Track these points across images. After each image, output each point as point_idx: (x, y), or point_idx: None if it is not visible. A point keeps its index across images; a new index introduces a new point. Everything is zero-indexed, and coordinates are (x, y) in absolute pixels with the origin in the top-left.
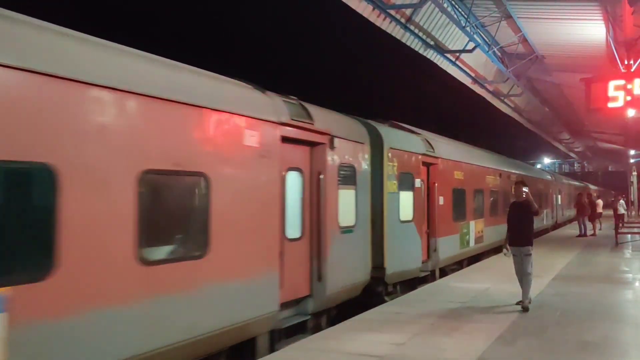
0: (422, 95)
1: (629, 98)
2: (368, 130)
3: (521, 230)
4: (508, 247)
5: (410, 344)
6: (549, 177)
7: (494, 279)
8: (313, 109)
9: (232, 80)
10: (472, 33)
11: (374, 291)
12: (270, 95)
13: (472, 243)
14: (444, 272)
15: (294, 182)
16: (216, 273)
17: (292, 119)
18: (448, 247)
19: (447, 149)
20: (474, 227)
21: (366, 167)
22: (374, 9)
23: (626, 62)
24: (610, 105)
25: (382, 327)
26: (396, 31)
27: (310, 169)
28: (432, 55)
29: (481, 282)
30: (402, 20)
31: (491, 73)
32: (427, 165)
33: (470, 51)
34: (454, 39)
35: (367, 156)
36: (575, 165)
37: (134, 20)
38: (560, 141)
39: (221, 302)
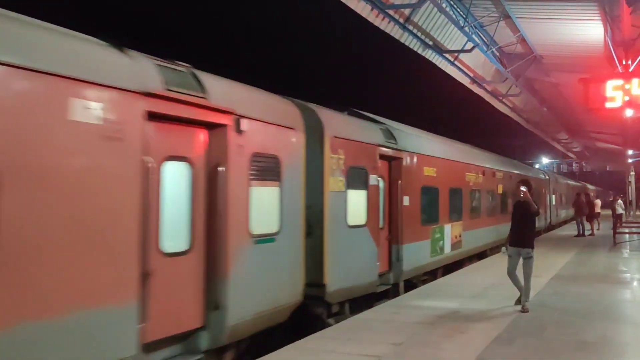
0: (420, 95)
1: (627, 98)
2: (303, 114)
3: (521, 230)
4: (507, 246)
5: None
6: (543, 176)
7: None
8: (211, 80)
9: (57, 27)
10: (470, 33)
11: (313, 313)
12: (133, 56)
13: (447, 250)
14: (411, 285)
15: (177, 176)
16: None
17: (169, 89)
18: (415, 255)
19: (416, 142)
20: (450, 231)
21: (298, 159)
22: (372, 8)
23: (624, 62)
24: (608, 105)
25: None
26: (395, 31)
27: (206, 160)
28: (430, 55)
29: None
30: (401, 20)
31: (490, 73)
32: (389, 159)
33: (469, 51)
34: (453, 39)
35: (299, 145)
36: (574, 165)
37: None
38: (559, 141)
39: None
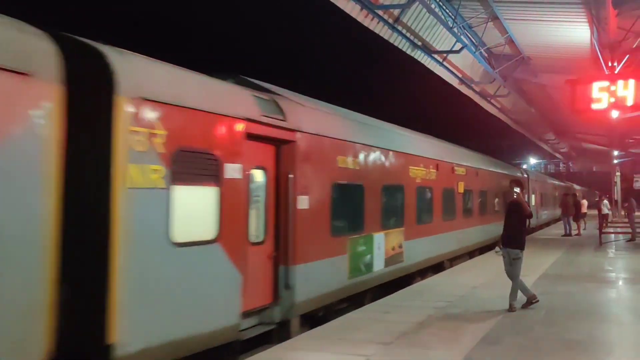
0: (410, 96)
1: (612, 100)
2: (63, 52)
3: (509, 231)
4: (500, 245)
5: None
6: (519, 174)
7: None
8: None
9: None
10: (459, 34)
11: None
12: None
13: (379, 266)
14: (317, 319)
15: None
16: None
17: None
18: (321, 278)
19: (323, 121)
20: (384, 241)
21: (36, 129)
22: (362, 9)
23: (610, 64)
24: (594, 106)
25: None
26: (384, 31)
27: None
28: (419, 55)
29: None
30: (390, 21)
31: (478, 74)
32: (276, 143)
33: (457, 52)
34: (442, 39)
35: (44, 105)
36: (561, 165)
37: None
38: (546, 141)
39: None
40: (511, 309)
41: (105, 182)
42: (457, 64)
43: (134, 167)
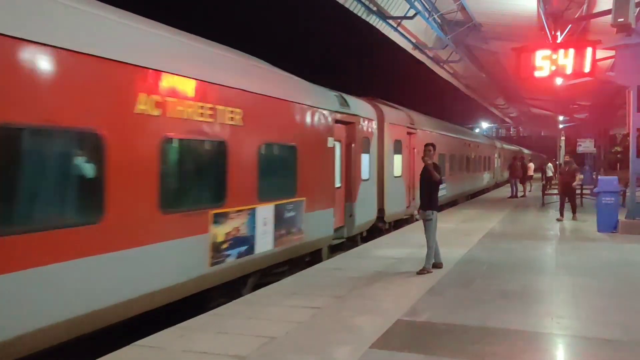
0: (364, 61)
1: (553, 68)
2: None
3: (421, 193)
4: (419, 210)
5: None
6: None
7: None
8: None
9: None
10: (413, 0)
11: None
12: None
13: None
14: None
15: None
16: None
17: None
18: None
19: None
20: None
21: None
22: None
23: (553, 34)
24: (537, 74)
25: None
26: None
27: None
28: (374, 20)
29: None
30: None
31: (431, 39)
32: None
33: (411, 18)
34: (396, 5)
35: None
36: (512, 130)
37: None
38: (497, 107)
39: None
40: (421, 271)
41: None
42: (411, 29)
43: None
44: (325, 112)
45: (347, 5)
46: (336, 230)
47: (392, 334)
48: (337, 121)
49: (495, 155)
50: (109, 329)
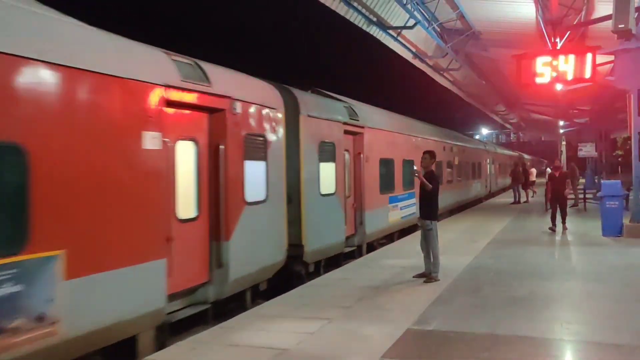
0: (365, 71)
1: (554, 74)
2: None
3: (420, 203)
4: (419, 218)
5: None
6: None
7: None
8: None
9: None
10: (412, 10)
11: None
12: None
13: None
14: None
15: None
16: None
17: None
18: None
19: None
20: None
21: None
22: None
23: (553, 40)
24: (538, 80)
25: None
26: (340, 8)
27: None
28: (374, 31)
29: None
30: None
31: (431, 48)
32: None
33: (411, 27)
34: (396, 15)
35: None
36: (512, 135)
37: None
38: (497, 113)
39: None
40: (429, 279)
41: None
42: (411, 38)
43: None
44: (130, 82)
45: (347, 17)
46: (186, 294)
47: (403, 344)
48: (170, 103)
49: (487, 161)
50: (118, 345)
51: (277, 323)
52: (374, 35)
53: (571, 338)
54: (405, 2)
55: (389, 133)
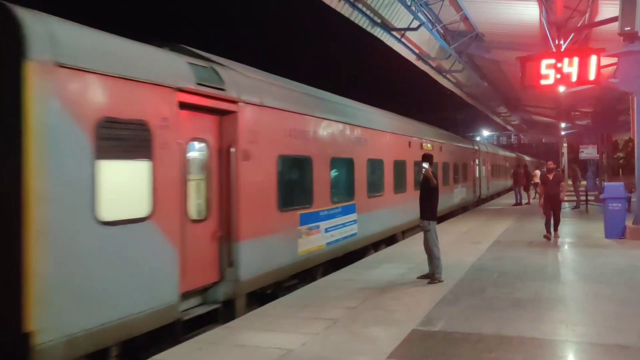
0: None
1: (558, 76)
2: None
3: (420, 203)
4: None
5: None
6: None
7: (415, 261)
8: None
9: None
10: (416, 11)
11: None
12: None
13: None
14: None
15: None
16: None
17: None
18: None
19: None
20: None
21: None
22: None
23: (557, 42)
24: (542, 82)
25: None
26: (345, 9)
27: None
28: (379, 32)
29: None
30: None
31: (434, 50)
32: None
33: (415, 29)
34: (400, 17)
35: None
36: (512, 137)
37: None
38: (499, 115)
39: None
40: (432, 280)
41: None
42: (414, 40)
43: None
44: None
45: (352, 18)
46: None
47: (409, 344)
48: None
49: (477, 161)
50: (127, 343)
51: (282, 324)
52: (378, 36)
53: (577, 339)
54: (409, 4)
55: (299, 117)
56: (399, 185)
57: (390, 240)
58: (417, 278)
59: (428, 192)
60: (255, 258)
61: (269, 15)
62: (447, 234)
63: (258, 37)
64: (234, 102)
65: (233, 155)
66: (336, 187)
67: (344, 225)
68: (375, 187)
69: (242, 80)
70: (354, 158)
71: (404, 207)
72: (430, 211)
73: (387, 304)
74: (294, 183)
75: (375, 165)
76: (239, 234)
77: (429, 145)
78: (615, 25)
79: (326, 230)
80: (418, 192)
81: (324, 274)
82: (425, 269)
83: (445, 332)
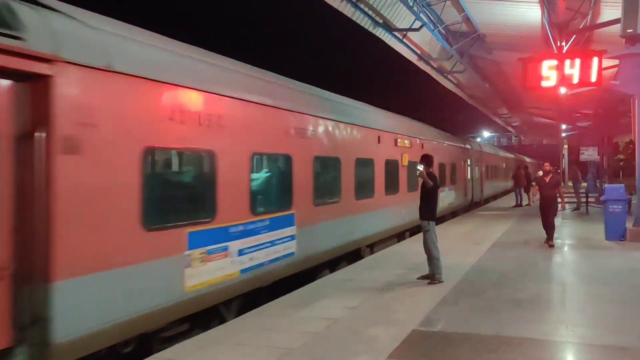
0: (370, 72)
1: (560, 78)
2: None
3: (419, 204)
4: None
5: None
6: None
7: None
8: None
9: None
10: (418, 12)
11: None
12: None
13: None
14: None
15: None
16: None
17: None
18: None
19: None
20: None
21: None
22: None
23: (559, 44)
24: (544, 84)
25: None
26: (347, 9)
27: None
28: (380, 33)
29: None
30: None
31: (436, 50)
32: None
33: (417, 30)
34: (402, 17)
35: None
36: (513, 138)
37: None
38: (499, 116)
39: None
40: (433, 281)
41: None
42: (416, 41)
43: None
44: None
45: (354, 19)
46: None
47: (409, 344)
48: None
49: (468, 162)
50: (128, 342)
51: (282, 323)
52: (380, 37)
53: (577, 340)
54: (411, 4)
55: (190, 92)
56: (363, 190)
57: (354, 255)
58: (417, 278)
59: (426, 193)
60: (94, 304)
61: (269, 15)
62: (448, 234)
63: (258, 37)
64: (44, 60)
65: (39, 144)
66: (262, 193)
67: (272, 243)
68: (325, 192)
69: (68, 29)
70: (292, 155)
71: (370, 216)
72: (429, 211)
73: (387, 304)
74: (178, 187)
75: (327, 165)
76: (54, 268)
77: (406, 141)
78: (617, 28)
79: (240, 253)
80: (391, 197)
81: (240, 312)
82: (425, 269)
83: (445, 332)
